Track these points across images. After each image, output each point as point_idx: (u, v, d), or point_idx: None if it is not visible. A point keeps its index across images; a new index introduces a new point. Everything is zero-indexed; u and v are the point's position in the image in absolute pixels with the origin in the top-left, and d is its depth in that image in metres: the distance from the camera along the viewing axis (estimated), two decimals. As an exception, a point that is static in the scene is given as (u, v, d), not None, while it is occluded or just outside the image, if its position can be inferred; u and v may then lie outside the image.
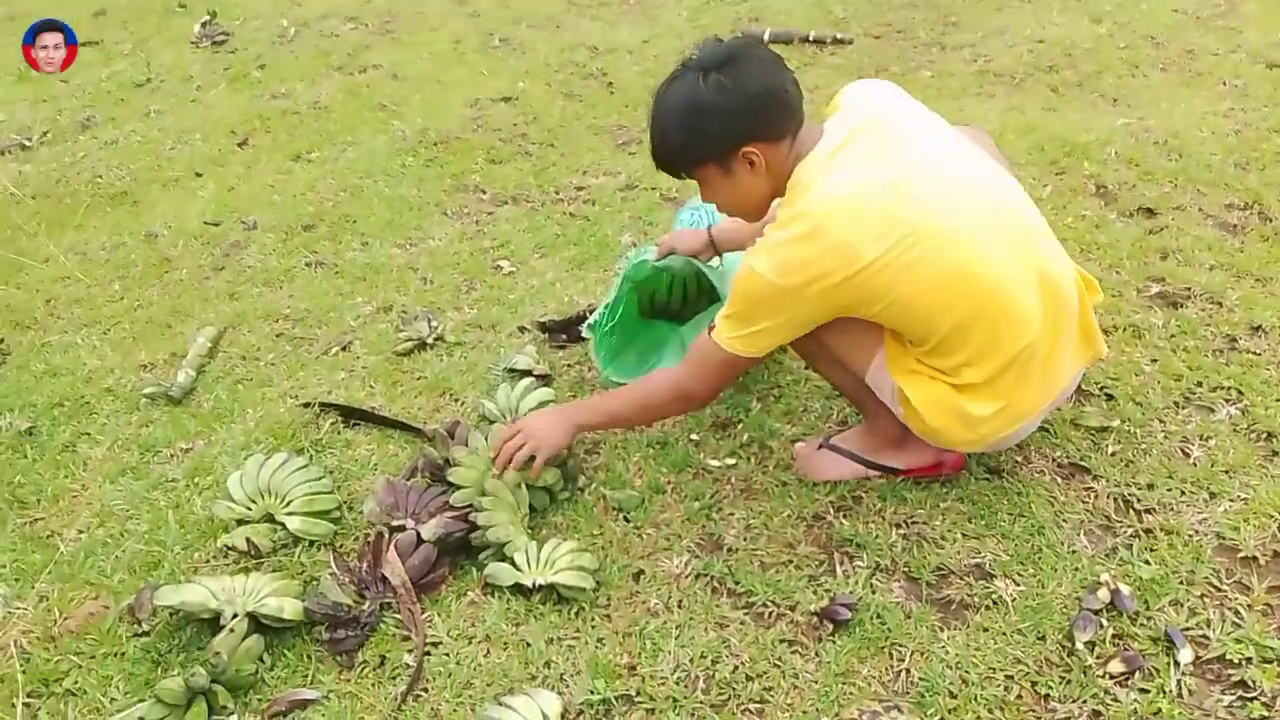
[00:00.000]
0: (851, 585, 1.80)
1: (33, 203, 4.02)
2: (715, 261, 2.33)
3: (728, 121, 1.67)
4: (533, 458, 1.95)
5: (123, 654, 1.76)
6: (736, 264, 2.27)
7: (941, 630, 1.70)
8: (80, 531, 2.11)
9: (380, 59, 5.53)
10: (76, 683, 1.71)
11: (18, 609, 1.89)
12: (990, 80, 4.38)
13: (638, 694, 1.62)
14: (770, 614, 1.76)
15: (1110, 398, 2.21)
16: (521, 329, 2.73)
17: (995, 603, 1.74)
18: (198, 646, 1.75)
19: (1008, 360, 1.71)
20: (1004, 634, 1.68)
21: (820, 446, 2.09)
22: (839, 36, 4.95)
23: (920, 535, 1.89)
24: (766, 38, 4.94)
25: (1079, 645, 1.63)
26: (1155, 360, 2.31)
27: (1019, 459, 2.05)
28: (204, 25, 6.30)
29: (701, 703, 1.60)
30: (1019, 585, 1.77)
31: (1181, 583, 1.74)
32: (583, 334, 2.44)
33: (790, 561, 1.87)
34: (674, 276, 2.60)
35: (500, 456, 1.97)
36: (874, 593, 1.78)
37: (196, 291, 3.21)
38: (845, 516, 1.96)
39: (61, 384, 2.71)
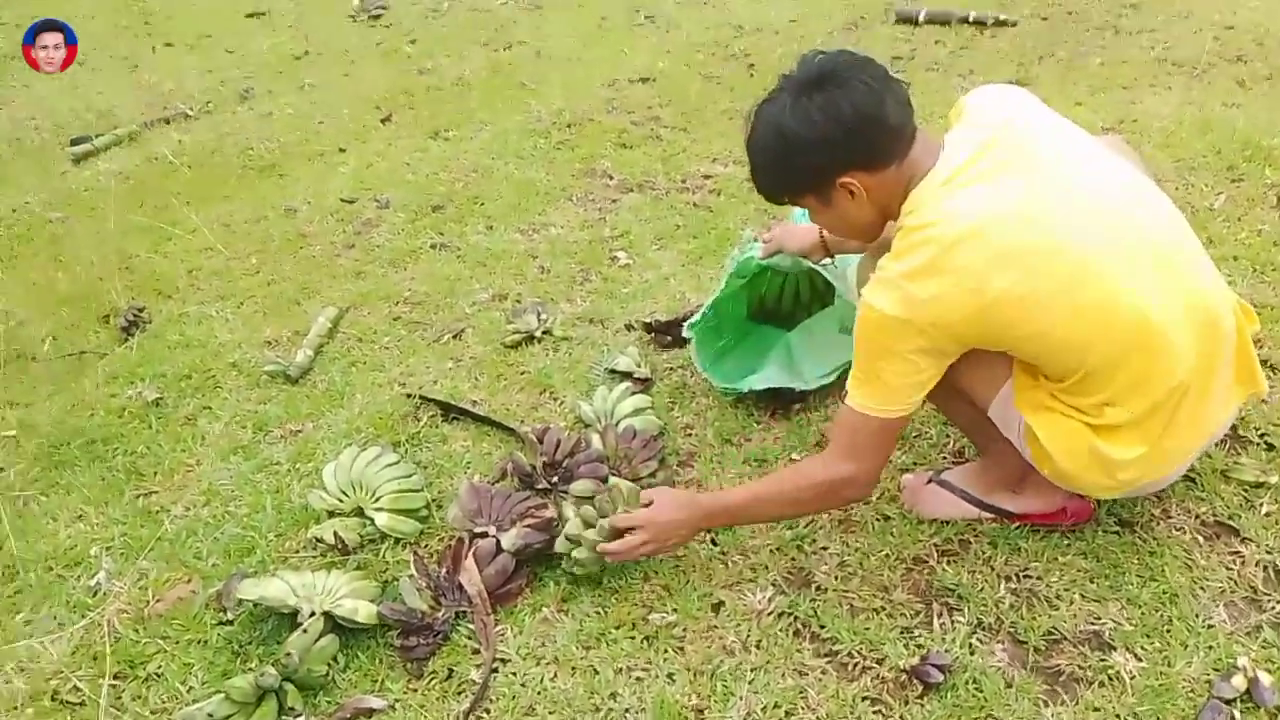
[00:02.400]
0: (948, 643, 1.65)
1: (188, 172, 4.22)
2: (826, 261, 2.18)
3: (817, 154, 1.53)
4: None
5: (205, 641, 1.80)
6: (850, 264, 2.14)
7: (1046, 705, 1.53)
8: (186, 509, 2.17)
9: (526, 35, 5.55)
10: (159, 667, 1.76)
11: (116, 585, 1.96)
12: (1168, 70, 3.99)
13: (702, 740, 1.54)
14: (855, 666, 1.64)
15: (1271, 448, 1.95)
16: (629, 326, 2.66)
17: (1111, 679, 1.56)
18: (277, 640, 1.77)
19: (1156, 400, 1.51)
20: (1118, 716, 1.50)
21: (930, 481, 1.94)
22: (1001, 18, 4.62)
23: (1032, 592, 1.72)
24: (922, 18, 4.67)
25: (1204, 740, 1.44)
26: (1330, 406, 2.04)
27: (1156, 512, 1.84)
28: (363, -1, 6.47)
29: (769, 758, 1.50)
30: (1141, 661, 1.58)
31: (1337, 678, 1.51)
32: (684, 334, 2.35)
33: (883, 609, 1.73)
34: (785, 277, 2.47)
35: (615, 553, 1.76)
36: (973, 654, 1.62)
37: (326, 269, 3.28)
38: (949, 562, 1.81)
39: (192, 356, 2.82)
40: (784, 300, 2.52)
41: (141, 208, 3.91)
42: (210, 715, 1.60)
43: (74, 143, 4.72)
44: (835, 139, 1.51)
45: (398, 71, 5.23)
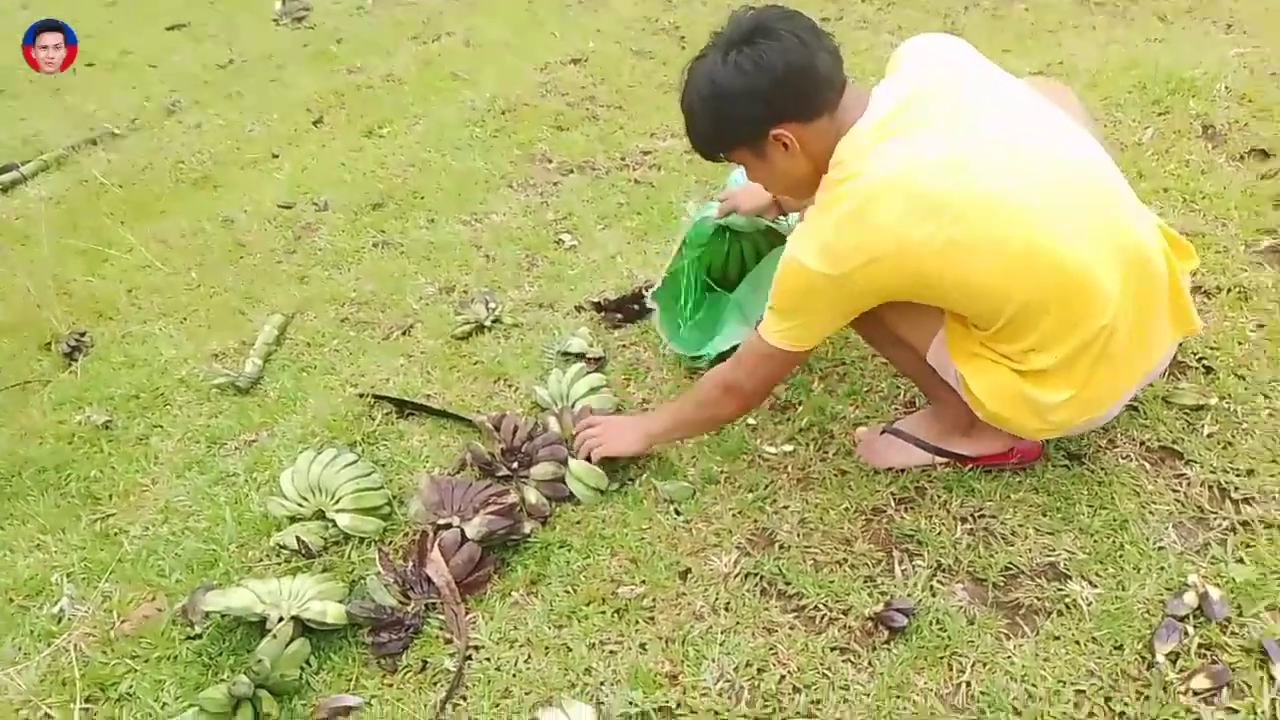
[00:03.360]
0: (910, 587, 1.68)
1: (120, 191, 4.14)
2: (780, 219, 2.20)
3: (750, 105, 1.54)
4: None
5: (175, 657, 1.79)
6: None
7: (1007, 639, 1.57)
8: (145, 529, 2.15)
9: (454, 25, 5.50)
10: (130, 687, 1.74)
11: (80, 610, 1.93)
12: (1091, 11, 4.06)
13: (678, 706, 1.55)
14: (822, 618, 1.66)
15: (1209, 370, 2.01)
16: (579, 308, 2.66)
17: (1069, 608, 1.60)
18: (247, 649, 1.76)
19: (1081, 344, 1.54)
20: (1077, 643, 1.54)
21: (883, 431, 1.97)
22: (924, -28, 4.66)
23: (988, 531, 1.76)
24: (846, -21, 4.68)
25: (1160, 657, 1.48)
26: (1262, 325, 2.09)
27: (1103, 443, 1.88)
28: (285, 2, 6.37)
29: (745, 716, 1.52)
30: (1096, 588, 1.62)
31: (1282, 585, 1.56)
32: (647, 304, 2.35)
33: (845, 560, 1.76)
34: (738, 240, 2.48)
35: (577, 440, 2.05)
36: (935, 596, 1.66)
37: (268, 276, 3.24)
38: (907, 510, 1.84)
39: (138, 375, 2.78)
40: (744, 262, 2.52)
41: (75, 231, 3.83)
42: (185, 729, 1.59)
43: (1, 171, 4.60)
44: (766, 90, 1.53)
45: (326, 73, 5.17)
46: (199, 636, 1.81)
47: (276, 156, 4.23)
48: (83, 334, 3.06)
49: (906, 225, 1.46)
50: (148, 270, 3.41)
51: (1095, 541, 1.70)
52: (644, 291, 2.37)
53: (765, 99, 1.53)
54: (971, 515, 1.79)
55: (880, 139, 1.51)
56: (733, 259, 2.53)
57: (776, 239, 2.34)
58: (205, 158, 4.35)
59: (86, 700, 1.74)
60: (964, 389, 1.68)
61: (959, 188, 1.46)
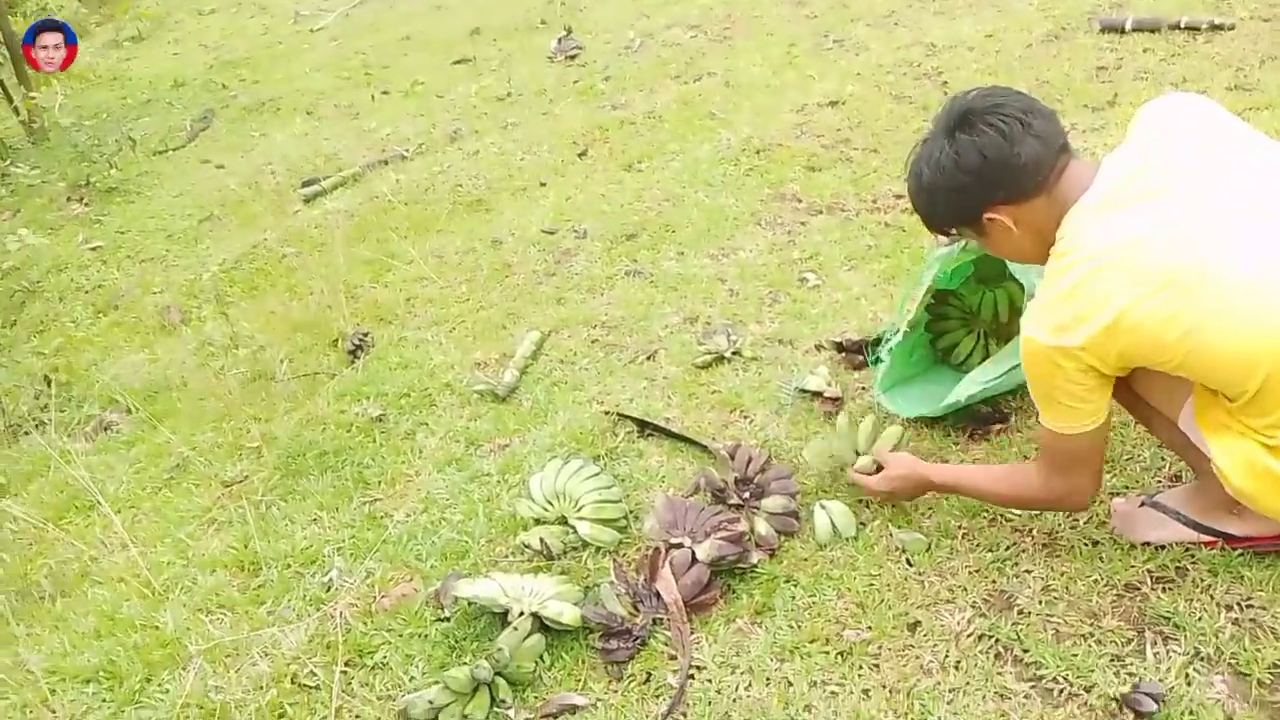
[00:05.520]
0: (1162, 672, 1.57)
1: (404, 208, 4.57)
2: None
3: (957, 197, 1.63)
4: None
5: (425, 635, 1.96)
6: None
7: (1272, 742, 1.44)
8: (407, 515, 2.36)
9: (715, 66, 5.66)
10: (385, 657, 1.93)
11: (347, 582, 2.15)
12: None
13: (898, 757, 1.53)
14: (1061, 692, 1.59)
15: None
16: (819, 346, 2.68)
17: (1349, 719, 1.45)
18: (489, 637, 1.90)
19: None
20: (1358, 760, 1.39)
21: (1143, 504, 1.85)
22: (1217, 22, 4.33)
23: (1256, 623, 1.62)
24: (1129, 26, 4.45)
25: None
26: None
27: (1402, 542, 1.69)
28: (560, 41, 6.80)
29: (969, 779, 1.48)
30: (1385, 702, 1.46)
31: None
32: (881, 355, 2.34)
33: (1091, 635, 1.67)
34: (986, 293, 2.43)
35: (860, 484, 2.03)
36: (1190, 685, 1.54)
37: (529, 295, 3.47)
38: (1164, 590, 1.72)
39: (410, 376, 3.06)
40: (997, 313, 2.46)
41: (364, 242, 4.27)
42: (431, 703, 1.74)
43: (305, 185, 5.21)
44: (966, 185, 1.60)
45: (593, 108, 5.46)
46: (448, 620, 1.97)
47: (544, 185, 4.52)
48: (365, 334, 3.40)
49: (1130, 298, 1.44)
50: (424, 282, 3.74)
51: (1385, 650, 1.52)
52: (876, 341, 2.36)
53: (966, 192, 1.61)
54: (1238, 604, 1.66)
55: (1103, 213, 1.50)
56: (985, 306, 2.47)
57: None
58: (480, 182, 4.72)
59: (347, 664, 1.94)
60: (1212, 461, 1.57)
61: (1182, 262, 1.43)
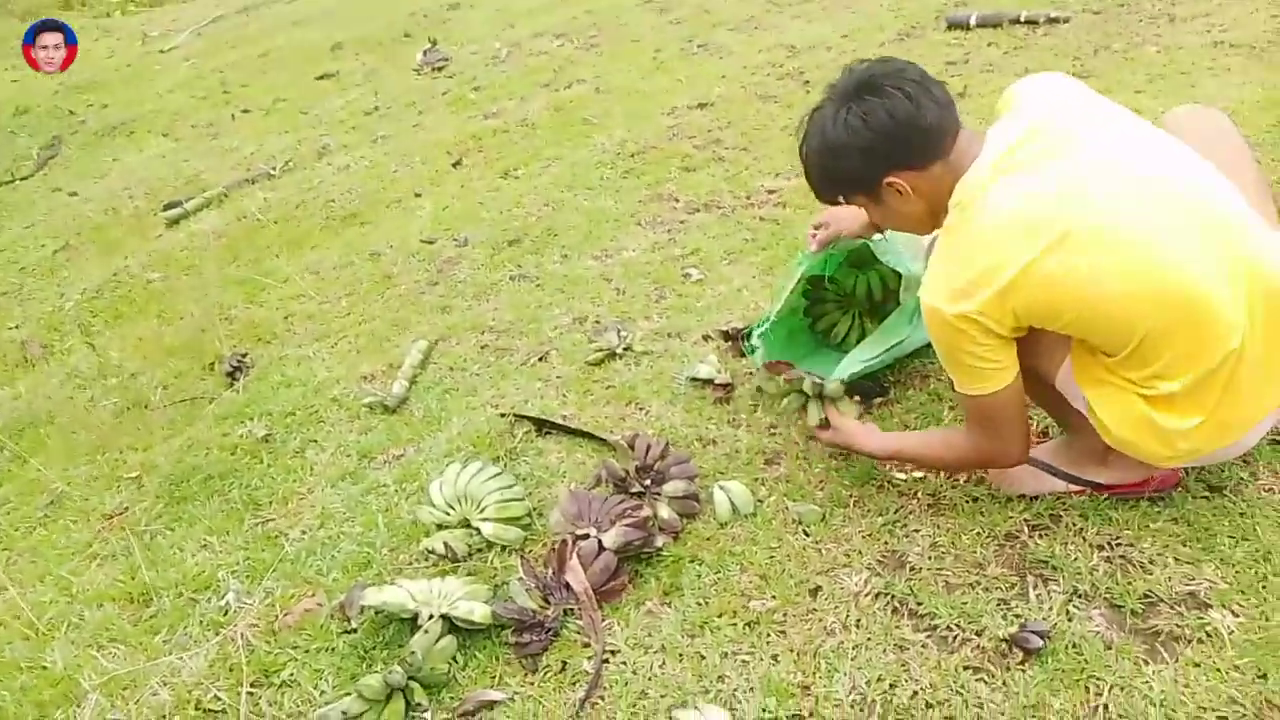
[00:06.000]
0: (1045, 611, 1.68)
1: (275, 226, 4.46)
2: (878, 236, 2.24)
3: (860, 160, 1.64)
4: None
5: (333, 649, 1.92)
6: (899, 240, 2.22)
7: (1146, 664, 1.56)
8: (303, 532, 2.31)
9: (585, 73, 5.72)
10: (292, 674, 1.88)
11: (246, 603, 2.10)
12: (1226, 52, 3.97)
13: (810, 715, 1.60)
14: (955, 638, 1.68)
15: (1362, 407, 1.95)
16: (706, 337, 2.75)
17: (1210, 635, 1.58)
18: (399, 644, 1.88)
19: (1208, 370, 1.54)
20: (1218, 670, 1.52)
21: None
22: (1054, 15, 4.64)
23: (1126, 559, 1.75)
24: (973, 22, 4.71)
25: (1311, 690, 1.45)
26: None
27: (1244, 475, 1.85)
28: (425, 53, 6.74)
29: (877, 728, 1.56)
30: (1239, 617, 1.60)
31: None
32: (754, 345, 2.41)
33: (978, 583, 1.77)
34: (860, 276, 2.54)
35: (821, 433, 2.09)
36: (1070, 620, 1.66)
37: (413, 306, 3.44)
38: (1041, 536, 1.84)
39: (295, 394, 2.99)
40: (871, 294, 2.56)
41: (235, 262, 4.15)
42: (344, 713, 1.71)
43: (167, 207, 5.02)
44: (873, 145, 1.62)
45: (464, 118, 5.45)
46: (355, 631, 1.94)
47: (419, 196, 4.48)
48: (244, 355, 3.31)
49: (1026, 258, 1.50)
50: (302, 299, 3.66)
51: (1237, 572, 1.67)
52: (748, 334, 2.45)
53: (873, 153, 1.63)
54: (1108, 543, 1.79)
55: (997, 178, 1.56)
56: (860, 287, 2.57)
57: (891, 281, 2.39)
58: (353, 196, 4.64)
59: (252, 685, 1.89)
60: (1091, 415, 1.69)
61: (1078, 218, 1.50)
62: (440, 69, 6.52)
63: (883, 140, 1.61)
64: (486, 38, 7.00)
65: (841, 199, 1.78)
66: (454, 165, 4.76)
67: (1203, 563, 1.70)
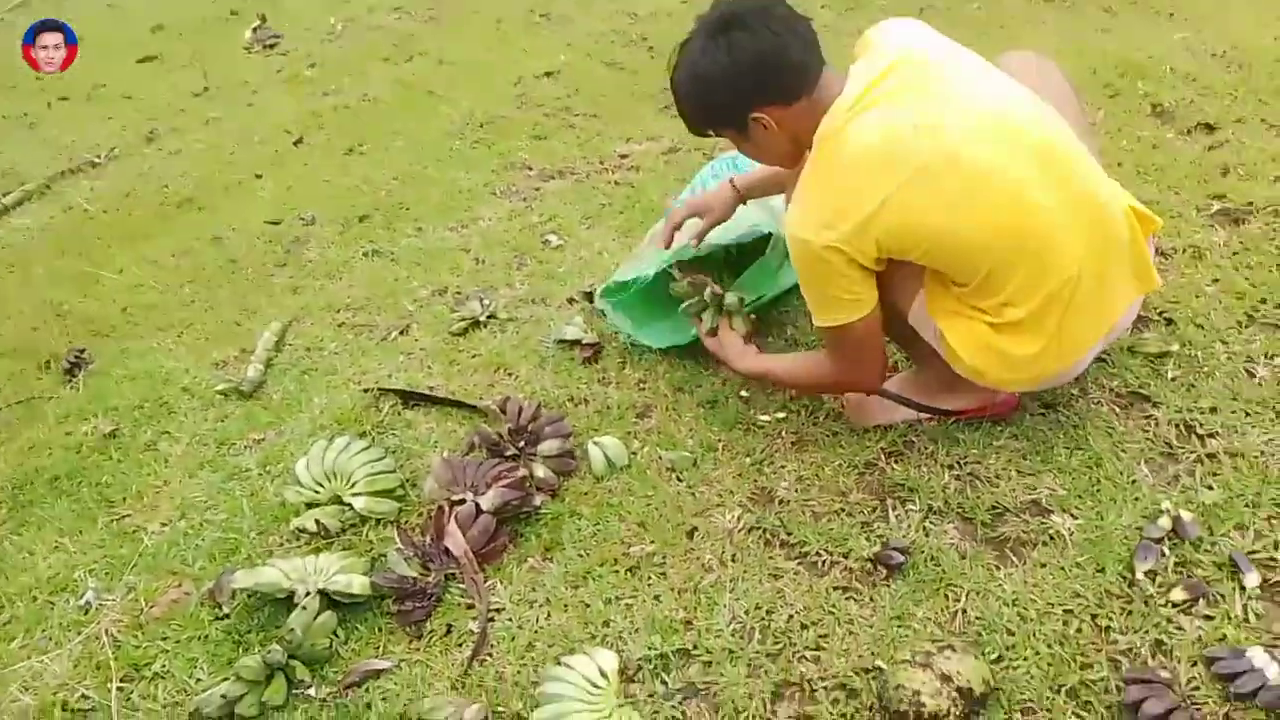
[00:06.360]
0: (905, 530, 1.79)
1: (105, 216, 4.19)
2: (740, 207, 2.30)
3: (727, 92, 1.69)
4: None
5: (206, 636, 1.86)
6: (750, 210, 2.29)
7: (998, 569, 1.69)
8: (163, 524, 2.22)
9: (426, 46, 5.59)
10: (164, 666, 1.81)
11: (107, 600, 2.00)
12: (1040, 6, 4.24)
13: (695, 647, 1.65)
14: (824, 563, 1.77)
15: (1170, 322, 2.14)
16: (570, 300, 2.77)
17: (1053, 538, 1.72)
18: (275, 625, 1.84)
19: (1049, 296, 1.67)
20: (1062, 569, 1.66)
21: (870, 393, 2.08)
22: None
23: (974, 475, 1.88)
24: (806, -14, 4.85)
25: (1140, 575, 1.60)
26: (1217, 280, 2.24)
27: (1075, 392, 2.01)
28: (255, 30, 6.44)
29: (758, 652, 1.63)
30: (1077, 519, 1.74)
31: (1247, 506, 1.69)
32: (598, 305, 2.45)
33: (842, 510, 1.87)
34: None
35: (708, 339, 2.17)
36: (928, 535, 1.77)
37: (262, 289, 3.31)
38: (897, 462, 1.96)
39: (141, 387, 2.84)
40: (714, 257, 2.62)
41: (64, 256, 3.88)
42: (224, 697, 1.66)
43: (-19, 204, 4.64)
44: (740, 78, 1.66)
45: (302, 96, 5.24)
46: (227, 616, 1.89)
47: (260, 177, 4.30)
48: (81, 351, 3.11)
49: (888, 188, 1.59)
50: (141, 289, 3.47)
51: (1073, 479, 1.82)
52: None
53: (740, 87, 1.67)
54: (958, 463, 1.91)
55: (858, 111, 1.63)
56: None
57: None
58: (188, 181, 4.41)
59: (122, 680, 1.81)
60: (943, 345, 1.80)
61: (935, 150, 1.59)
62: (272, 47, 6.24)
63: (749, 75, 1.65)
64: (320, 13, 6.72)
65: (711, 131, 1.81)
66: (295, 144, 4.58)
67: (1042, 473, 1.85)
